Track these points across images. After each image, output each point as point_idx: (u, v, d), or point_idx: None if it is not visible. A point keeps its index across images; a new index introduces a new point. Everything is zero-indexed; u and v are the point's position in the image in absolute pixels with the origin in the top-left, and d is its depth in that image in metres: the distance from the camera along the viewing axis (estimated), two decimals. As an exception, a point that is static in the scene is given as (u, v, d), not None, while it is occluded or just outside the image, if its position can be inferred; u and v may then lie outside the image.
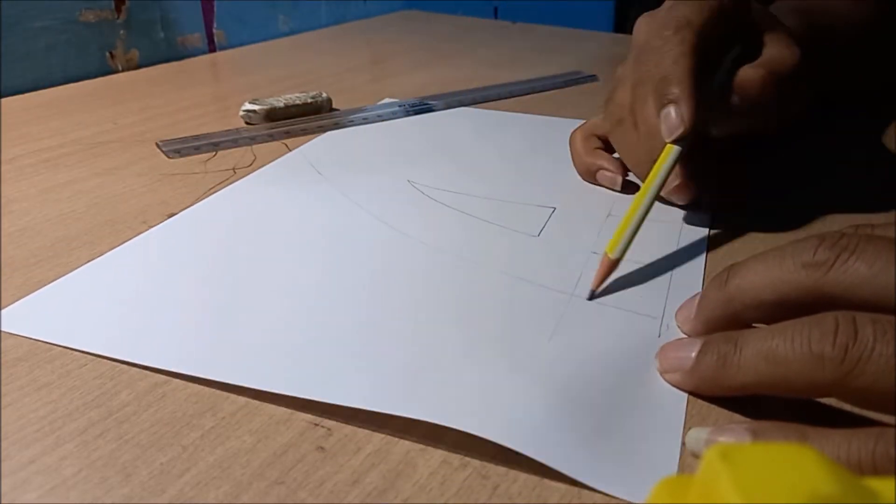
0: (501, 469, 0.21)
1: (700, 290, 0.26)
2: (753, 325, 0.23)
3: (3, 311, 0.27)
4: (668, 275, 0.31)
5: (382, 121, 0.51)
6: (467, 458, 0.21)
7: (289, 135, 0.48)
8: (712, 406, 0.23)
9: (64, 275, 0.30)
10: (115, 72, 0.65)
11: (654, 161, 0.33)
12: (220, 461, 0.21)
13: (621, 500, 0.20)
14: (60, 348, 0.26)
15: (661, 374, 0.24)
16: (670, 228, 0.35)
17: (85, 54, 0.63)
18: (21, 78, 0.58)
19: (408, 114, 0.52)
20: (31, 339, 0.26)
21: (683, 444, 0.22)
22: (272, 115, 0.50)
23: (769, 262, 0.22)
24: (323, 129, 0.49)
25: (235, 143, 0.46)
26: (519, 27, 0.88)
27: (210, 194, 0.38)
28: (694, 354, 0.23)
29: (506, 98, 0.57)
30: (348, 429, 0.22)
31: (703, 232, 0.35)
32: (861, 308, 0.20)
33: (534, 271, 0.31)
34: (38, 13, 0.59)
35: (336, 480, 0.20)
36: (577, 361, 0.25)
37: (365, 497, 0.20)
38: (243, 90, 0.59)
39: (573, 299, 0.29)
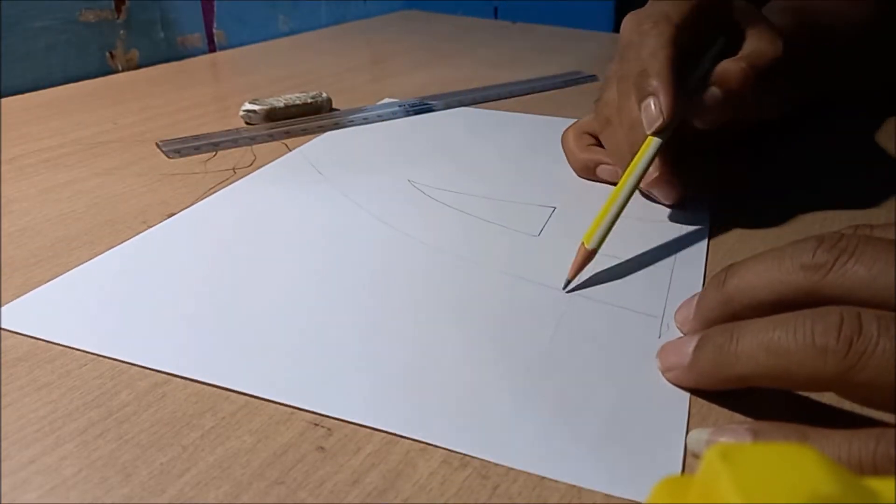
0: (501, 469, 0.21)
1: (700, 290, 0.26)
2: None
3: (2, 308, 0.27)
4: (668, 275, 0.31)
5: (382, 121, 0.51)
6: (467, 458, 0.21)
7: (289, 135, 0.48)
8: (713, 406, 0.23)
9: (63, 274, 0.30)
10: (115, 72, 0.65)
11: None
12: (220, 461, 0.21)
13: (622, 500, 0.20)
14: (60, 348, 0.26)
15: (661, 373, 0.24)
16: (670, 228, 0.35)
17: (85, 54, 0.63)
18: (21, 78, 0.58)
19: (408, 114, 0.52)
20: (30, 338, 0.26)
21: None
22: (272, 115, 0.50)
23: (768, 263, 0.22)
24: (323, 129, 0.49)
25: (235, 143, 0.46)
26: (519, 27, 0.88)
27: (210, 194, 0.38)
28: (691, 349, 0.23)
29: (506, 98, 0.57)
30: (348, 429, 0.22)
31: (703, 232, 0.35)
32: None
33: (534, 271, 0.31)
34: (38, 13, 0.59)
35: (336, 480, 0.20)
36: (577, 361, 0.25)
37: (365, 497, 0.20)
38: (243, 90, 0.59)
39: (574, 299, 0.29)
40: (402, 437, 0.22)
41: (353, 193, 0.38)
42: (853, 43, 0.48)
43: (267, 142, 0.47)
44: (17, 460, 0.21)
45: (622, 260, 0.32)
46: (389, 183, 0.40)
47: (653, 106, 0.33)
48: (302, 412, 0.23)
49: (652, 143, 0.33)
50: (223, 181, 0.40)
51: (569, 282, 0.30)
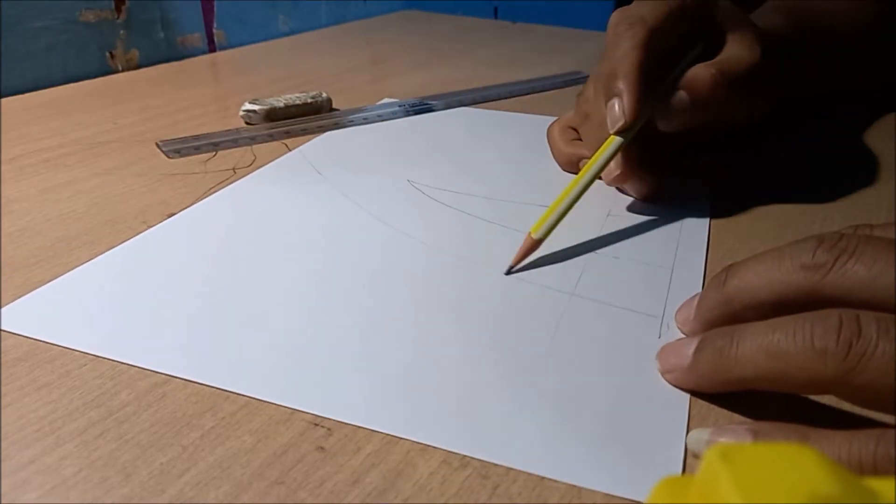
0: (501, 469, 0.21)
1: (700, 290, 0.26)
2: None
3: (3, 308, 0.27)
4: (668, 275, 0.31)
5: (382, 121, 0.51)
6: (467, 458, 0.21)
7: (289, 135, 0.48)
8: (713, 406, 0.23)
9: (63, 274, 0.30)
10: (115, 72, 0.65)
11: None
12: (220, 461, 0.21)
13: (622, 499, 0.20)
14: (60, 348, 0.26)
15: (661, 374, 0.24)
16: (670, 228, 0.35)
17: (85, 54, 0.63)
18: (21, 78, 0.58)
19: (408, 114, 0.52)
20: (30, 338, 0.26)
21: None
22: (272, 115, 0.50)
23: (768, 263, 0.22)
24: (323, 129, 0.49)
25: (235, 143, 0.46)
26: (519, 27, 0.88)
27: (210, 194, 0.38)
28: (691, 352, 0.23)
29: (506, 98, 0.57)
30: (348, 429, 0.22)
31: (703, 232, 0.35)
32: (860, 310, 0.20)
33: (534, 271, 0.31)
34: (38, 13, 0.59)
35: (336, 480, 0.20)
36: (577, 361, 0.25)
37: (365, 497, 0.20)
38: (243, 90, 0.59)
39: (573, 299, 0.29)
40: (401, 437, 0.22)
41: (352, 193, 0.38)
42: (853, 43, 0.48)
43: (267, 142, 0.47)
44: (17, 460, 0.21)
45: (622, 260, 0.32)
46: (389, 183, 0.40)
47: (616, 107, 0.34)
48: (302, 412, 0.23)
49: (613, 142, 0.34)
50: (223, 181, 0.40)
51: (511, 268, 0.31)
